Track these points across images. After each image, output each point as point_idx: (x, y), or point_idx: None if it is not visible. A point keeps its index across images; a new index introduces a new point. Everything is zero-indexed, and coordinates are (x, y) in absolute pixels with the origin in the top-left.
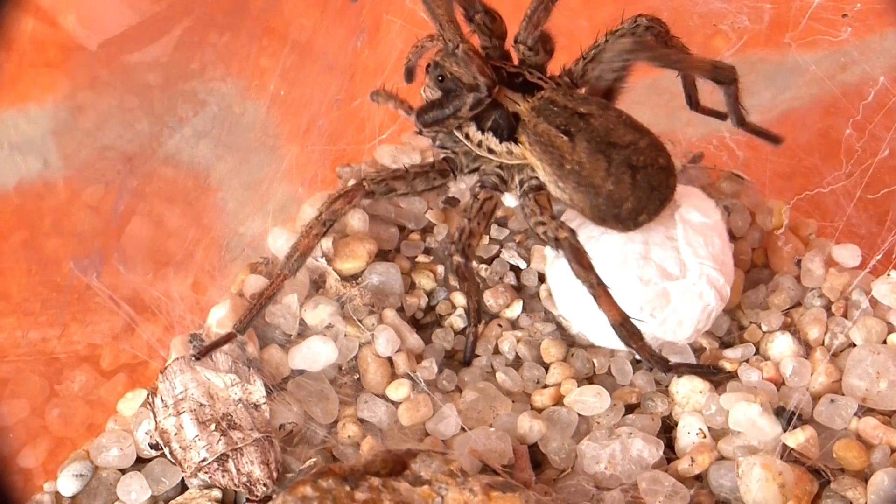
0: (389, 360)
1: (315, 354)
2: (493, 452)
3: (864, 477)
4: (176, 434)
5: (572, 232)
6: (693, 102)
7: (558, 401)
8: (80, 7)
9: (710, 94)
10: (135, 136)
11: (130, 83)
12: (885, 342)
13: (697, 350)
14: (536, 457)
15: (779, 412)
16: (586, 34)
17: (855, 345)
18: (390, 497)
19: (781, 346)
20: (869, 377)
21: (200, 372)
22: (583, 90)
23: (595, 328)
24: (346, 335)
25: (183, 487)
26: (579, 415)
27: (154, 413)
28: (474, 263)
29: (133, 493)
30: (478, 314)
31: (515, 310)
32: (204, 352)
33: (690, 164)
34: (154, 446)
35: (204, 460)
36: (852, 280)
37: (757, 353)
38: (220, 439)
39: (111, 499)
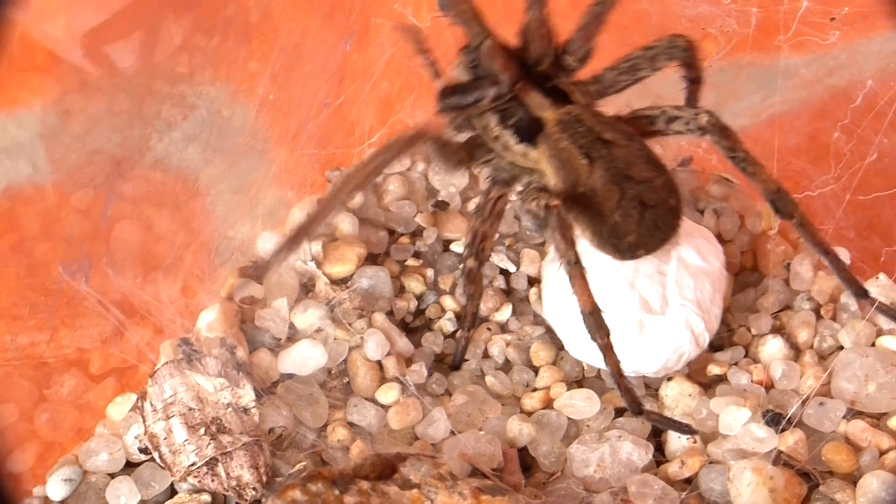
0: (379, 363)
1: (304, 358)
2: (482, 456)
3: (852, 480)
4: (165, 438)
5: (565, 202)
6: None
7: (548, 404)
8: (69, 11)
9: (705, 98)
10: (123, 141)
11: (119, 87)
12: (873, 345)
13: None
14: (526, 460)
15: (768, 415)
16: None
17: (843, 347)
18: (380, 501)
19: (771, 350)
20: (857, 380)
21: (190, 376)
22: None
23: (574, 339)
24: (335, 339)
25: (172, 492)
26: (569, 418)
27: (143, 417)
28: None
29: (122, 498)
30: (474, 318)
31: (505, 313)
32: (261, 272)
33: (680, 167)
34: (143, 450)
35: (193, 464)
36: (841, 283)
37: (746, 356)
38: (209, 443)
39: (100, 503)
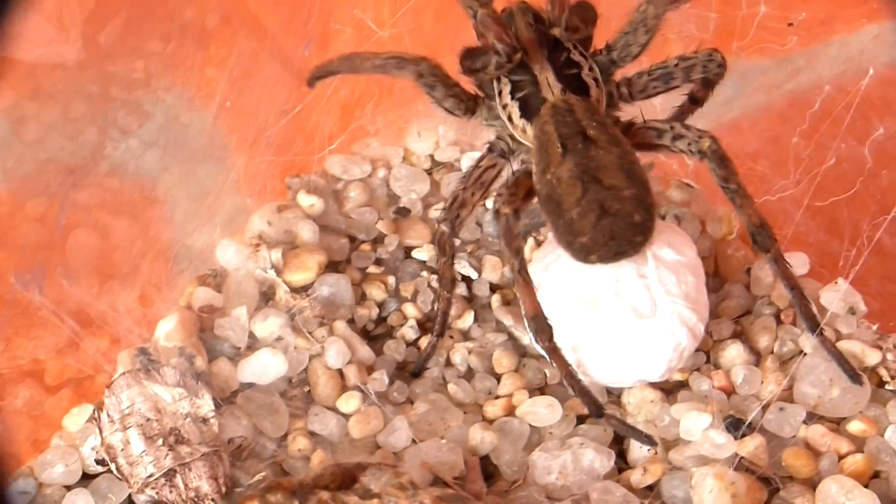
0: (340, 372)
1: (264, 367)
2: (444, 465)
3: (812, 484)
4: (122, 449)
5: (515, 213)
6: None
7: (510, 412)
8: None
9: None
10: (78, 148)
11: (73, 94)
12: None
13: None
14: (488, 468)
15: (730, 421)
16: None
17: (804, 353)
18: None
19: (731, 355)
20: (822, 384)
21: (148, 386)
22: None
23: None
24: (295, 347)
25: (130, 503)
26: (531, 426)
27: (100, 428)
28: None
29: None
30: (444, 321)
31: (467, 321)
32: (317, 77)
33: None
34: (100, 462)
35: (151, 476)
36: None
37: (707, 361)
38: (167, 454)
39: None
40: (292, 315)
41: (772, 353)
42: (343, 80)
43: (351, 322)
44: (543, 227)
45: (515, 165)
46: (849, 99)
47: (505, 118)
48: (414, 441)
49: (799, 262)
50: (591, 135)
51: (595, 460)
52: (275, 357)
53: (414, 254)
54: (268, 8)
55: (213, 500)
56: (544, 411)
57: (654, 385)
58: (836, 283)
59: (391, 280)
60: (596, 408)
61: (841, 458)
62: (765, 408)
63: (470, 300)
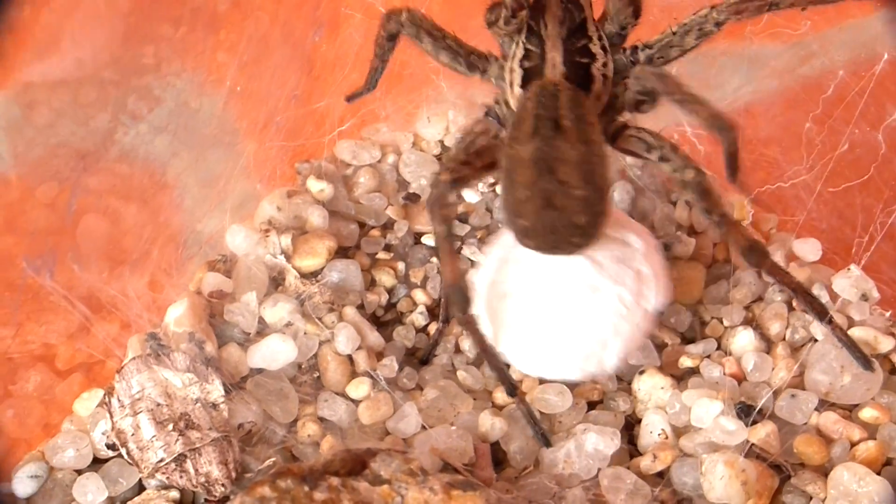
0: (349, 358)
1: (274, 353)
2: (453, 451)
3: (824, 472)
4: (133, 434)
5: (455, 181)
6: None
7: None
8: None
9: None
10: (89, 133)
11: (84, 79)
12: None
13: (660, 346)
14: (498, 455)
15: (740, 408)
16: None
17: (816, 339)
18: (349, 497)
19: (743, 342)
20: (833, 371)
21: (158, 371)
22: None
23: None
24: (305, 333)
25: (140, 488)
26: (541, 412)
27: (110, 413)
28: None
29: (89, 495)
30: (447, 311)
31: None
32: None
33: None
34: (111, 447)
35: (161, 461)
36: (813, 274)
37: (719, 348)
38: (177, 439)
39: (67, 500)
40: (302, 301)
41: (783, 339)
42: (354, 64)
43: (360, 308)
44: None
45: (503, 133)
46: (862, 84)
47: (507, 83)
48: (424, 427)
49: (811, 249)
50: (563, 125)
51: (598, 442)
52: (284, 343)
53: (423, 240)
54: None
55: (223, 485)
56: (554, 398)
57: (664, 371)
58: (849, 269)
59: (401, 266)
60: (509, 386)
61: (853, 445)
62: (776, 395)
63: None
